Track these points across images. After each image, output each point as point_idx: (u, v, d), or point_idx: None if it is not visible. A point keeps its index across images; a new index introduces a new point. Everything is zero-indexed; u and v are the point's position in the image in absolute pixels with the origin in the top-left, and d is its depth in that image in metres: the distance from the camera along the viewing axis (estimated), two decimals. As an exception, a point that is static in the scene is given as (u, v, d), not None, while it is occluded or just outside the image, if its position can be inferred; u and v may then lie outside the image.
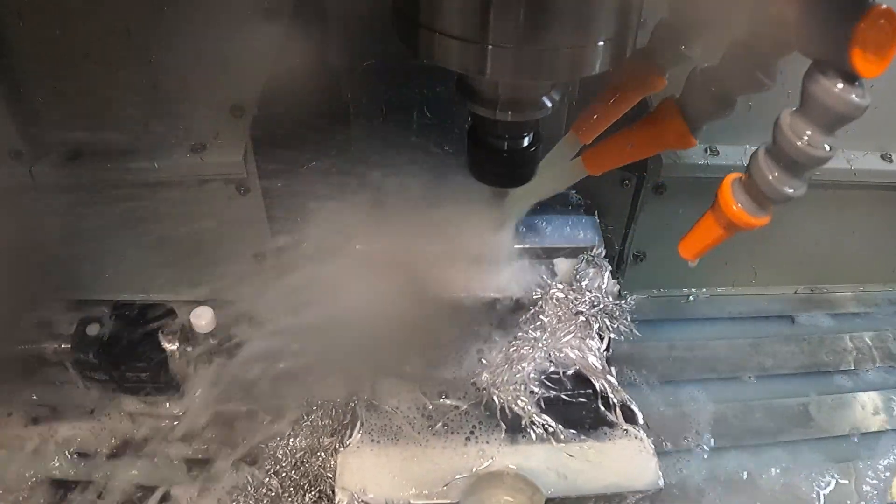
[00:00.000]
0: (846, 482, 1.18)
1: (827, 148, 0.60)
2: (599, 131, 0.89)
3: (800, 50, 0.60)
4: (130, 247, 1.23)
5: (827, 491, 1.17)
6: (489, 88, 0.71)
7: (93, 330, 1.10)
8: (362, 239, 1.07)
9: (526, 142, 0.77)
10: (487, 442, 0.92)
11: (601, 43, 0.63)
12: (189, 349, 1.11)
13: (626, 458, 0.91)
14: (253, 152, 1.15)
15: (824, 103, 0.58)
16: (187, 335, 1.11)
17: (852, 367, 1.42)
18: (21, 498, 1.04)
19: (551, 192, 1.02)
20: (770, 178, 0.62)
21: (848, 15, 0.55)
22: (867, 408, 1.33)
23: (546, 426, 0.93)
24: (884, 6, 0.55)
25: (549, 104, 0.72)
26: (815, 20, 0.58)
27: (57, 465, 1.09)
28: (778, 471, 1.19)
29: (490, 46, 0.61)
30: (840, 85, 0.57)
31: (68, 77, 1.06)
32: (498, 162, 0.77)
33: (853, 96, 0.57)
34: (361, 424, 0.93)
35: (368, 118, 1.09)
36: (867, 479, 1.20)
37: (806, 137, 0.60)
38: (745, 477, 1.18)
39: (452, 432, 0.93)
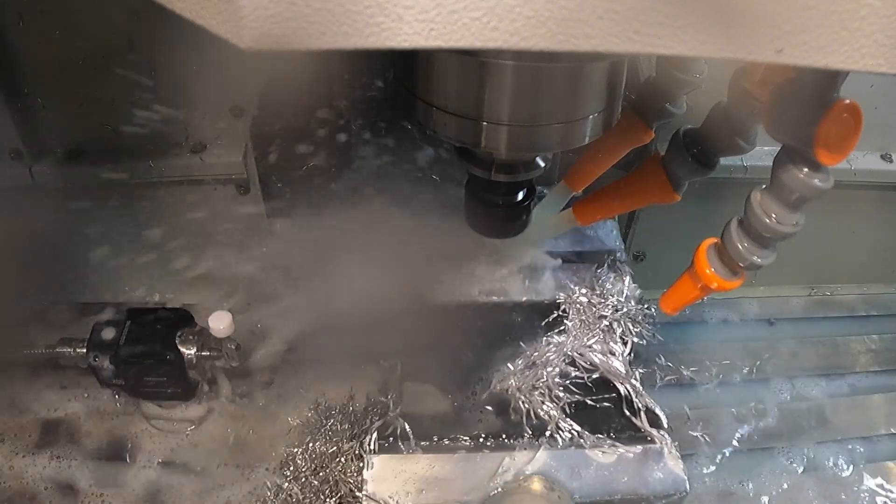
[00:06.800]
0: (861, 482, 1.27)
1: (793, 223, 0.70)
2: (590, 181, 0.97)
3: (770, 136, 0.69)
4: (130, 247, 1.28)
5: (841, 492, 1.25)
6: (485, 153, 0.79)
7: (108, 334, 1.12)
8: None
9: (520, 196, 0.85)
10: (513, 447, 0.95)
11: (591, 116, 0.71)
12: (207, 354, 1.12)
13: (652, 461, 0.94)
14: (253, 152, 1.21)
15: (790, 186, 0.67)
16: (205, 340, 1.13)
17: (866, 369, 1.49)
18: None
19: (544, 239, 1.11)
20: (740, 247, 0.73)
21: (812, 114, 0.63)
22: (882, 409, 1.41)
23: (571, 431, 0.96)
24: (847, 101, 0.63)
25: (543, 164, 0.81)
26: (782, 115, 0.67)
27: (73, 470, 1.12)
28: (793, 473, 1.27)
29: (485, 123, 0.68)
30: (805, 170, 0.66)
31: (68, 78, 1.12)
32: (493, 216, 0.86)
33: (816, 181, 0.66)
34: (386, 429, 0.97)
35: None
36: (880, 481, 1.28)
37: (774, 216, 0.69)
38: (760, 479, 1.26)
39: (478, 438, 0.96)
